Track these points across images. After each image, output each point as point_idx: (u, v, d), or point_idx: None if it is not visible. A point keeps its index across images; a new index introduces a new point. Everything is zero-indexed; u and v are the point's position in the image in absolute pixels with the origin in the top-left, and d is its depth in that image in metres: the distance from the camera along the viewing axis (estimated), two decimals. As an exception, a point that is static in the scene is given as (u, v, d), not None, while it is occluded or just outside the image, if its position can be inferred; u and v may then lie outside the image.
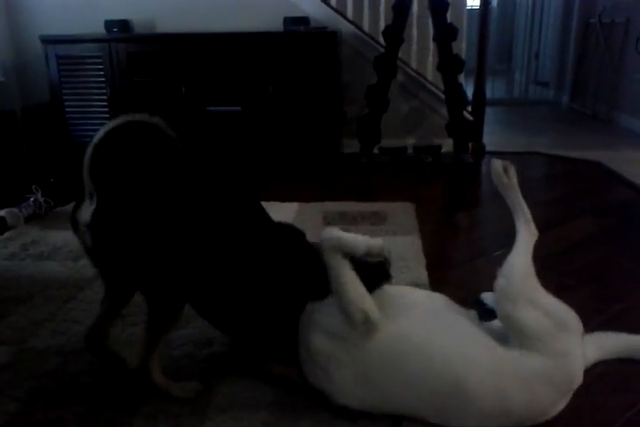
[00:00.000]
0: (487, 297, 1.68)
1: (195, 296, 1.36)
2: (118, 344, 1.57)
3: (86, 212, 1.26)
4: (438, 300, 1.38)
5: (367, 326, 1.21)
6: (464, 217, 2.79)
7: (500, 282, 1.25)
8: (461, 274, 2.06)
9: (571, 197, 2.98)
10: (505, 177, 1.34)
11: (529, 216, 1.33)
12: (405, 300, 1.34)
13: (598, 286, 1.93)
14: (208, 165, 1.38)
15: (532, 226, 1.32)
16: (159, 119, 1.27)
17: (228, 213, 1.34)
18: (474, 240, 2.49)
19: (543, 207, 2.85)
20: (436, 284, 1.91)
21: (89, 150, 1.22)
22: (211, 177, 1.37)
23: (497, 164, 1.35)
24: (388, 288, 1.35)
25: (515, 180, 1.34)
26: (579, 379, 1.24)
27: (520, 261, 1.28)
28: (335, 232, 1.24)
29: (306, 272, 1.34)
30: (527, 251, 1.29)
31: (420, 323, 1.27)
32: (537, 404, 1.20)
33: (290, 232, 1.45)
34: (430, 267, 2.05)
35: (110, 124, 1.23)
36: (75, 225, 1.29)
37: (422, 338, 1.23)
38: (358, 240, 1.22)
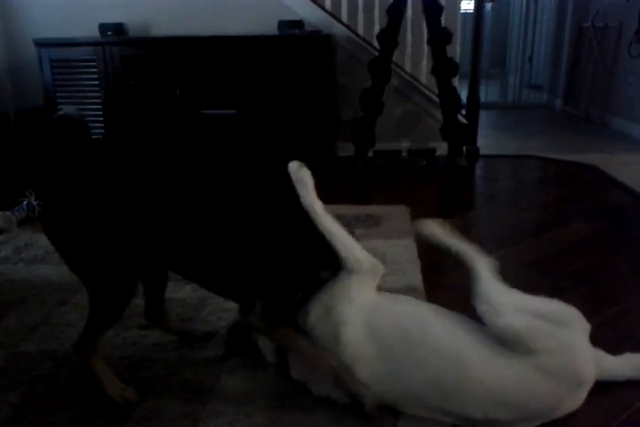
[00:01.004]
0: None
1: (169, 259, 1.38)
2: (111, 348, 1.57)
3: None
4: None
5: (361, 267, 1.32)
6: (458, 220, 2.79)
7: (481, 308, 1.29)
8: (456, 277, 2.05)
9: (565, 200, 2.99)
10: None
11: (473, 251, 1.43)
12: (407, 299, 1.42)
13: (593, 288, 1.93)
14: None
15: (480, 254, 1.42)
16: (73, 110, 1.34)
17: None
18: (468, 243, 2.48)
19: (537, 210, 2.85)
20: (431, 287, 1.91)
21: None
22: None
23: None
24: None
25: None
26: (587, 374, 1.24)
27: (489, 284, 1.34)
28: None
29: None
30: (490, 276, 1.36)
31: (427, 310, 1.35)
32: (539, 396, 1.20)
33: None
34: (425, 270, 2.05)
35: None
36: None
37: (429, 320, 1.30)
38: None
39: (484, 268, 1.37)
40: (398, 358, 1.25)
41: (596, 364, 1.28)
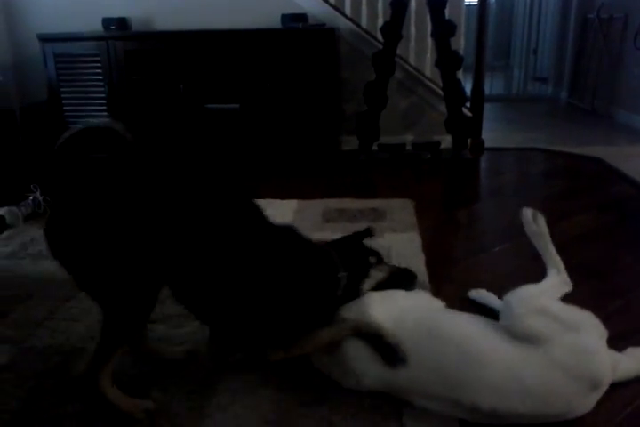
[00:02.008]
0: (474, 294, 1.77)
1: (182, 295, 1.33)
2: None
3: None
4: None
5: None
6: (463, 213, 2.79)
7: (506, 297, 1.36)
8: (461, 270, 2.06)
9: (570, 193, 2.98)
10: (535, 225, 1.45)
11: (561, 266, 1.44)
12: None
13: (598, 281, 1.93)
14: (165, 167, 1.34)
15: (565, 276, 1.42)
16: (117, 124, 1.25)
17: (196, 215, 1.29)
18: (473, 236, 2.49)
19: (543, 203, 2.85)
20: (436, 280, 1.91)
21: (48, 158, 1.23)
22: (167, 177, 1.32)
23: (527, 212, 1.46)
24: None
25: (544, 228, 1.45)
26: (603, 378, 1.22)
27: (534, 288, 1.37)
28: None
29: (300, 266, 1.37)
30: (546, 289, 1.38)
31: (441, 308, 1.43)
32: (555, 391, 1.19)
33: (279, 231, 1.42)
34: (430, 263, 2.05)
35: (69, 132, 1.22)
36: None
37: (444, 315, 1.37)
38: None
39: (549, 283, 1.41)
40: (416, 343, 1.27)
41: (613, 368, 1.27)
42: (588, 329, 1.27)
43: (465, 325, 1.32)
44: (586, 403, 1.22)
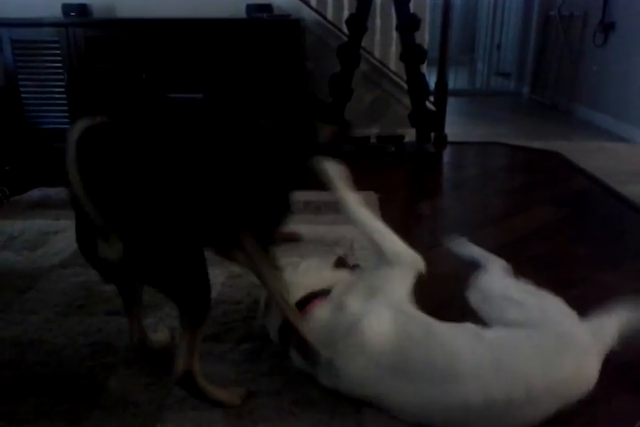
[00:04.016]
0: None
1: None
2: (75, 334, 1.55)
3: (112, 250, 1.11)
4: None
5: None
6: (425, 206, 2.82)
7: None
8: (426, 260, 2.08)
9: (529, 187, 3.04)
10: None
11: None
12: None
13: (553, 272, 1.98)
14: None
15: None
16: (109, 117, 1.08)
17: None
18: (436, 228, 2.52)
19: (503, 196, 2.90)
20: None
21: (76, 180, 1.02)
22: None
23: None
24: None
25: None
26: (583, 339, 1.20)
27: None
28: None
29: None
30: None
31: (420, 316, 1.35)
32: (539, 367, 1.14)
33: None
34: (392, 255, 2.06)
35: (71, 140, 1.01)
36: (96, 264, 1.20)
37: (424, 322, 1.31)
38: None
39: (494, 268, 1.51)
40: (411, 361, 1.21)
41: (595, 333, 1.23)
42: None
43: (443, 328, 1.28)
44: (582, 369, 1.16)
